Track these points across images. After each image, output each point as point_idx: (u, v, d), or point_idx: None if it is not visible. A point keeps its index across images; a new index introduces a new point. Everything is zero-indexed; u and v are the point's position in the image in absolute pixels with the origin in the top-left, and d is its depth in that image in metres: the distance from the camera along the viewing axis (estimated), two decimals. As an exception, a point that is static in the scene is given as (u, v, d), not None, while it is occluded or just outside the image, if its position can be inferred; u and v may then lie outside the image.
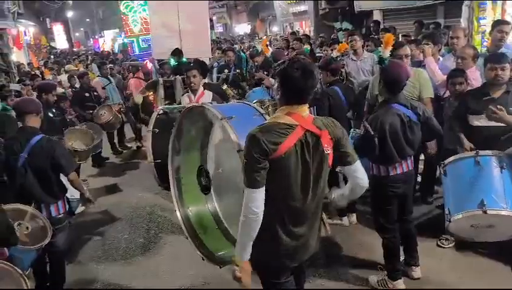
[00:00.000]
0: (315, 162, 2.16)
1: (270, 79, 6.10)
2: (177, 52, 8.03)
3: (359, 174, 2.31)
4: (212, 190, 3.23)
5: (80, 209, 5.60)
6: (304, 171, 2.14)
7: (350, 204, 4.75)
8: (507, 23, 4.79)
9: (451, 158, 3.18)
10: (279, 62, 2.26)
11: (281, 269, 2.33)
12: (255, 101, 4.90)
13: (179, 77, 6.26)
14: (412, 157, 3.51)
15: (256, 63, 7.67)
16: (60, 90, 7.51)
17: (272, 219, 2.17)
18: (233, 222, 3.02)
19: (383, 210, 3.53)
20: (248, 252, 2.19)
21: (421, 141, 3.52)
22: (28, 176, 3.43)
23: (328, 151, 2.17)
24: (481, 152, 3.07)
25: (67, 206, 3.69)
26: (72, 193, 3.99)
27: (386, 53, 5.39)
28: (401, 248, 3.65)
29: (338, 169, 2.52)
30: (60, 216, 3.58)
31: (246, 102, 3.16)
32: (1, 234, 2.65)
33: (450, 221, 2.98)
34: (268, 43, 13.56)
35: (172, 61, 7.83)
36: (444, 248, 4.10)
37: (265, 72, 6.97)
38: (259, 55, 8.13)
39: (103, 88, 8.44)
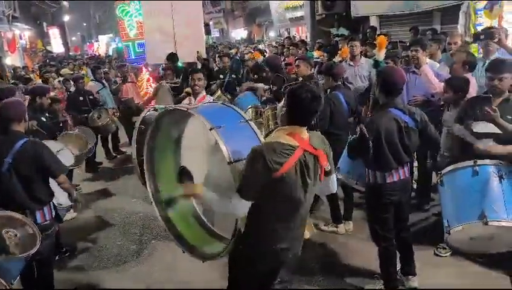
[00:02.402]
0: (311, 177, 2.38)
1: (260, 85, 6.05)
2: (172, 57, 8.00)
3: (331, 184, 2.68)
4: None
5: (72, 215, 5.53)
6: (301, 186, 2.36)
7: (346, 212, 4.73)
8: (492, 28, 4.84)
9: (449, 168, 3.10)
10: (292, 82, 2.41)
11: (266, 268, 2.61)
12: (249, 107, 4.83)
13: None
14: (408, 164, 3.45)
15: (246, 67, 7.61)
16: (52, 93, 7.39)
17: (264, 222, 2.43)
18: (213, 218, 3.18)
19: (380, 218, 3.46)
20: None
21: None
22: (12, 181, 3.33)
23: (325, 168, 2.45)
24: (479, 161, 2.99)
25: (53, 212, 3.58)
26: (60, 201, 3.89)
27: (381, 55, 5.32)
28: (398, 257, 3.59)
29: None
30: (46, 223, 3.46)
31: (229, 105, 3.10)
32: None
33: (449, 233, 2.90)
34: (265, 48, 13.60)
35: (180, 65, 7.80)
36: (441, 256, 4.04)
37: (255, 76, 6.88)
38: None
39: (97, 92, 8.35)
